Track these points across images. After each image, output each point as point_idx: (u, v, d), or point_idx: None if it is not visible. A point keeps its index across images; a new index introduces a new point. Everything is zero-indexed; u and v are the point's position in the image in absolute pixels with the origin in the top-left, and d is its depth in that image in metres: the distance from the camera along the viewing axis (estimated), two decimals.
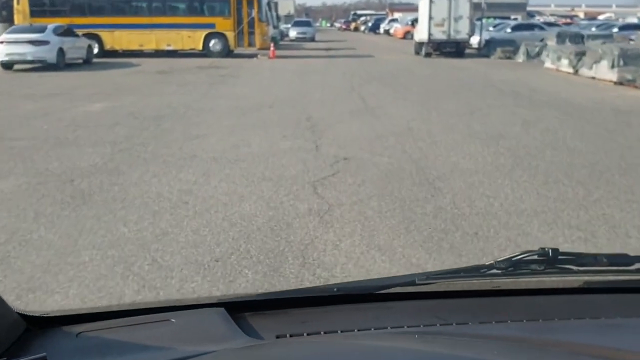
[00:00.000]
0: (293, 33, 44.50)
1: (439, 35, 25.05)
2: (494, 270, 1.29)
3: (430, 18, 24.96)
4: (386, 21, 61.69)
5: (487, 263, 1.31)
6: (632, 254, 1.35)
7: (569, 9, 77.88)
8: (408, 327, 1.22)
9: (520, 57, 23.55)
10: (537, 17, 54.08)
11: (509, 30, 29.55)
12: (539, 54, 23.14)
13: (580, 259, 1.32)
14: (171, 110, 11.16)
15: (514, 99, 13.05)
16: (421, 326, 1.23)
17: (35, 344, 1.13)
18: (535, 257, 1.29)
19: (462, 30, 25.00)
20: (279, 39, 35.50)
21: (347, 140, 8.49)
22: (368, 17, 73.80)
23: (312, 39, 43.73)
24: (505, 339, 1.15)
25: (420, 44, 26.96)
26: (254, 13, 25.62)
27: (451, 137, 8.68)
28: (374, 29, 62.91)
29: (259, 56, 25.77)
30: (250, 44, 25.96)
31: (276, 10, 35.49)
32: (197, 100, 12.62)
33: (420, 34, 26.08)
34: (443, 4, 24.83)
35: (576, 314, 1.32)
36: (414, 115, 10.78)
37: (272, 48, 25.96)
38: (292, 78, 17.57)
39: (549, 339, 1.15)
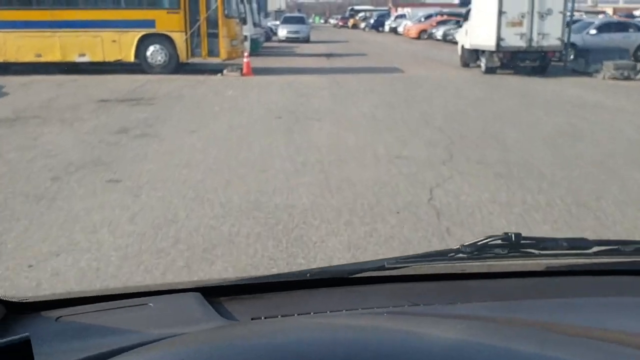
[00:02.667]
0: (282, 32, 34.44)
1: (514, 40, 15.20)
2: (460, 255, 1.31)
3: (501, 13, 15.12)
4: (392, 18, 51.84)
5: (454, 247, 1.32)
6: (590, 238, 1.34)
7: (590, 4, 68.39)
8: (378, 308, 1.23)
9: None
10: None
11: (593, 31, 19.87)
12: None
13: (541, 243, 1.34)
14: None
15: None
16: (390, 307, 1.23)
17: (15, 329, 1.11)
18: (499, 241, 1.31)
19: (551, 32, 15.15)
20: (262, 42, 25.61)
21: None
22: (368, 13, 63.91)
23: (307, 40, 33.80)
24: (470, 318, 1.15)
25: (473, 52, 17.20)
26: (217, 4, 15.76)
27: None
28: (377, 26, 52.98)
29: (225, 72, 15.94)
30: (212, 53, 16.01)
31: (258, 3, 25.64)
32: None
33: (479, 37, 16.24)
34: None
35: (538, 295, 1.32)
36: None
37: (246, 58, 16.14)
38: (271, 137, 7.80)
39: (512, 317, 1.15)
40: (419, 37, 38.51)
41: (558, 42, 15.35)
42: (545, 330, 1.06)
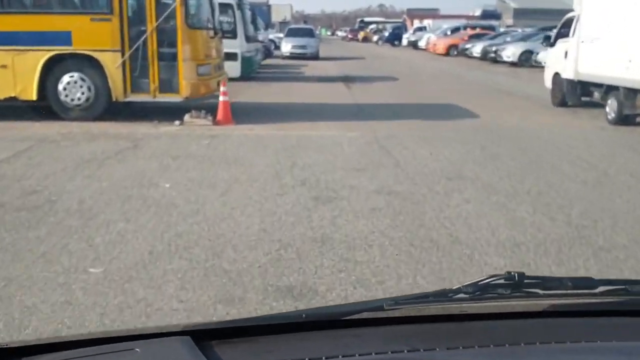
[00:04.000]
0: (286, 47, 27.81)
1: None
2: (461, 295, 1.23)
3: None
4: (410, 30, 45.38)
5: (454, 287, 1.23)
6: (596, 277, 1.26)
7: None
8: (376, 354, 1.15)
9: None
10: None
11: None
12: None
13: (545, 282, 1.27)
14: None
15: None
16: (389, 353, 1.16)
17: None
18: (502, 281, 1.23)
19: None
20: (259, 61, 19.01)
21: None
22: (380, 25, 57.56)
23: (316, 56, 27.27)
24: None
25: (578, 86, 10.74)
26: (175, 6, 9.23)
27: None
28: (393, 39, 46.52)
29: (188, 118, 9.38)
30: (165, 87, 9.42)
31: (252, 10, 19.08)
32: None
33: (600, 64, 9.63)
34: None
35: (542, 338, 1.23)
36: None
37: (223, 96, 9.58)
38: None
39: None
40: (447, 53, 32.02)
41: None
42: None
